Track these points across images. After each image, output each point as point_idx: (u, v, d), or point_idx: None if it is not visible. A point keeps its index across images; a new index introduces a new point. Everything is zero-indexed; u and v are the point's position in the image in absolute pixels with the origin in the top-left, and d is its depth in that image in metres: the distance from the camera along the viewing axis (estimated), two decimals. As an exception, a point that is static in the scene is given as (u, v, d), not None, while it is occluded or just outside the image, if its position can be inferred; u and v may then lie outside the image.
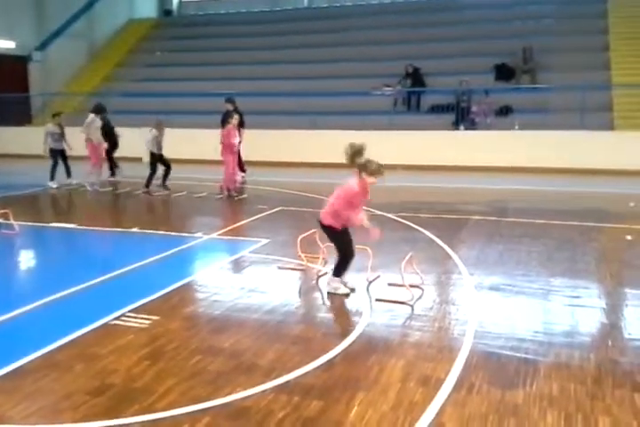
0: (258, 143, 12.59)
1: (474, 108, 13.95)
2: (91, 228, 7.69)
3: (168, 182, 10.50)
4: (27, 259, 6.77)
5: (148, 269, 5.83)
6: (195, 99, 16.10)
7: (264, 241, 6.80)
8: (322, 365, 3.67)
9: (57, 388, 3.39)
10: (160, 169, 10.42)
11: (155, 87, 17.39)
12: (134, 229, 7.47)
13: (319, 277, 5.46)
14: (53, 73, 19.28)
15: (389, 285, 5.17)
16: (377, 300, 4.83)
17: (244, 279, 5.55)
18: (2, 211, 7.44)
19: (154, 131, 10.25)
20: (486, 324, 4.34)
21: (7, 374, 3.55)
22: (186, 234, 7.24)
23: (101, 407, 3.17)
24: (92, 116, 11.06)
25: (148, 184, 10.31)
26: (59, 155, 11.20)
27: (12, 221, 7.33)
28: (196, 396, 3.29)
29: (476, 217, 8.14)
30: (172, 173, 10.55)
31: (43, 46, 19.19)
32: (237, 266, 6.05)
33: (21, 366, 3.64)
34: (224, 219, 8.48)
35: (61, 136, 11.14)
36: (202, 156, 12.61)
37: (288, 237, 6.73)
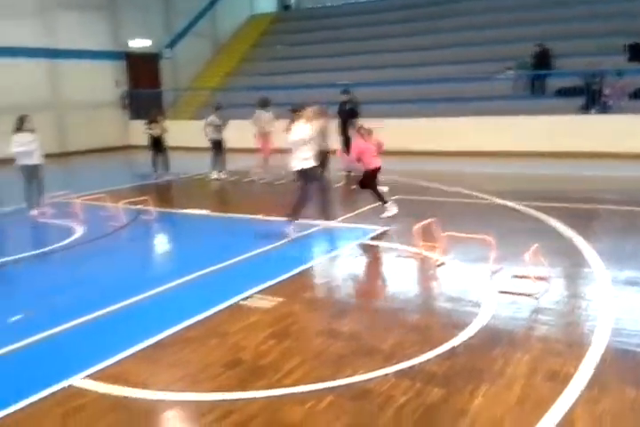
0: (378, 132, 12.50)
1: (606, 91, 12.97)
2: (221, 214, 8.15)
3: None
4: (163, 242, 7.31)
5: (272, 253, 6.08)
6: (315, 90, 16.39)
7: (383, 229, 6.84)
8: (443, 353, 3.65)
9: (194, 360, 3.67)
10: None
11: (277, 80, 17.94)
12: (259, 216, 7.81)
13: (437, 266, 5.41)
14: (182, 69, 20.51)
15: (514, 277, 5.00)
16: (500, 292, 4.70)
17: (363, 266, 5.63)
18: (141, 198, 8.09)
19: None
20: (623, 320, 4.07)
21: (149, 346, 3.88)
22: (306, 221, 7.44)
23: (234, 380, 3.39)
24: (258, 110, 11.29)
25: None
26: (216, 145, 11.40)
27: (150, 208, 7.96)
28: (320, 375, 3.42)
29: (608, 206, 7.62)
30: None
31: (172, 44, 20.44)
32: (356, 253, 6.13)
33: (161, 340, 3.97)
34: (343, 206, 8.60)
35: (220, 128, 11.33)
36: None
37: (407, 226, 6.71)
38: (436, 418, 2.98)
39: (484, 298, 4.57)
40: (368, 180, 7.68)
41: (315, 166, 6.87)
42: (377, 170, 7.69)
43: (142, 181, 11.49)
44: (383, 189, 8.03)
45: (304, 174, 6.81)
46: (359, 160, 7.72)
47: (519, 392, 3.17)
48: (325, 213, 7.16)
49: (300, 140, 6.65)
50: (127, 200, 8.20)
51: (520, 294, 4.60)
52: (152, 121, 11.85)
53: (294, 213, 6.82)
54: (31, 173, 8.24)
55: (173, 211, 8.51)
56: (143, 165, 12.69)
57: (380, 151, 7.78)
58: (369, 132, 7.77)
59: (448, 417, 2.97)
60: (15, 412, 3.09)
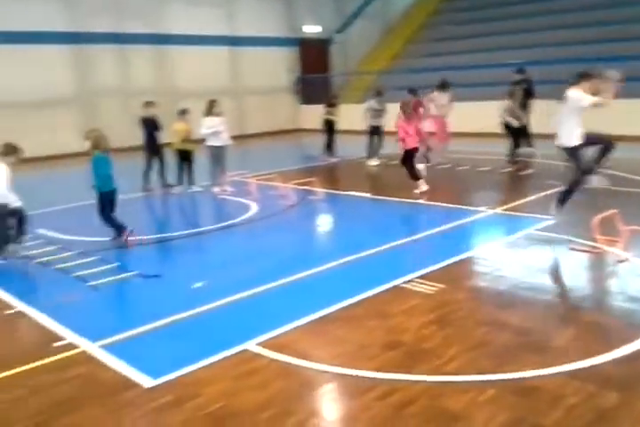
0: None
1: None
2: (382, 197, 8.24)
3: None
4: (329, 221, 7.57)
5: (433, 238, 6.02)
6: (483, 70, 15.74)
7: (554, 220, 6.41)
8: (622, 356, 3.36)
9: (355, 338, 3.78)
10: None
11: (443, 61, 17.48)
12: (421, 201, 7.76)
13: (618, 262, 4.95)
14: (351, 54, 20.83)
15: None
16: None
17: (530, 258, 5.33)
18: (309, 179, 8.45)
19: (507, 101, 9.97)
20: None
21: (314, 320, 4.07)
22: (470, 207, 7.25)
23: (394, 361, 3.43)
24: (435, 92, 10.89)
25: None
26: (376, 132, 11.22)
27: (317, 188, 8.28)
28: (482, 367, 3.33)
29: None
30: (457, 147, 10.55)
31: (342, 29, 20.81)
32: (522, 243, 5.83)
33: (325, 316, 4.14)
34: (509, 194, 8.22)
35: (380, 113, 11.11)
36: (485, 129, 12.35)
37: (582, 217, 6.21)
38: (611, 423, 2.76)
39: (674, 301, 4.11)
40: (407, 159, 8.28)
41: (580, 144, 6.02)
42: (414, 150, 8.29)
43: (310, 163, 11.96)
44: (420, 166, 8.64)
45: (575, 152, 6.00)
46: (403, 140, 8.22)
47: None
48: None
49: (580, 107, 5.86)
50: (296, 181, 8.62)
51: None
52: (331, 105, 12.11)
53: (565, 197, 6.16)
54: (217, 154, 8.99)
55: (337, 192, 8.75)
56: (311, 148, 13.19)
57: (420, 134, 8.51)
58: (411, 108, 8.44)
59: (624, 423, 2.74)
60: (197, 369, 3.43)
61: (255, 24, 18.27)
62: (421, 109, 10.52)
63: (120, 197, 6.54)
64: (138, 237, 6.37)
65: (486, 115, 11.85)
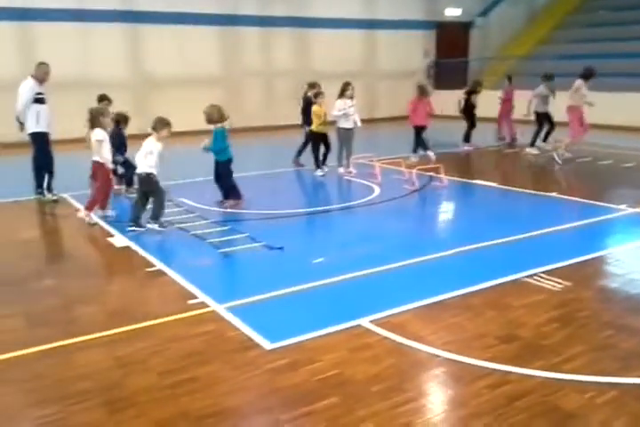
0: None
1: None
2: (510, 188, 7.96)
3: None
4: (453, 208, 7.46)
5: (563, 234, 5.75)
6: (628, 60, 14.47)
7: None
8: None
9: (470, 327, 3.76)
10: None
11: (593, 48, 16.28)
12: (553, 194, 7.40)
13: None
14: (492, 38, 20.01)
15: None
16: None
17: (674, 263, 4.93)
18: (434, 166, 8.35)
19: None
20: None
21: (430, 304, 4.09)
22: (608, 204, 6.80)
23: (509, 354, 3.38)
24: (579, 81, 9.97)
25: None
26: (545, 118, 10.87)
27: (442, 175, 8.18)
28: (604, 369, 3.19)
29: None
30: (599, 140, 9.86)
31: (485, 12, 20.01)
32: (666, 247, 5.39)
33: (441, 301, 4.14)
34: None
35: (548, 99, 10.75)
36: (633, 122, 11.38)
37: None
38: None
39: None
40: (416, 134, 10.30)
41: None
42: (419, 127, 10.22)
43: (438, 150, 11.76)
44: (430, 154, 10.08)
45: None
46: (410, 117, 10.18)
47: None
48: None
49: None
50: (421, 167, 8.56)
51: None
52: (473, 91, 11.88)
53: None
54: (344, 136, 9.15)
55: (463, 180, 8.57)
56: (442, 134, 12.96)
57: (430, 112, 10.29)
58: (424, 92, 10.21)
59: None
60: (313, 338, 3.61)
61: (394, 7, 18.11)
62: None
63: (261, 172, 6.96)
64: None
65: (631, 107, 10.96)
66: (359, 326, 3.76)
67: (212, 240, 5.71)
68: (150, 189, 6.21)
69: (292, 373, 3.22)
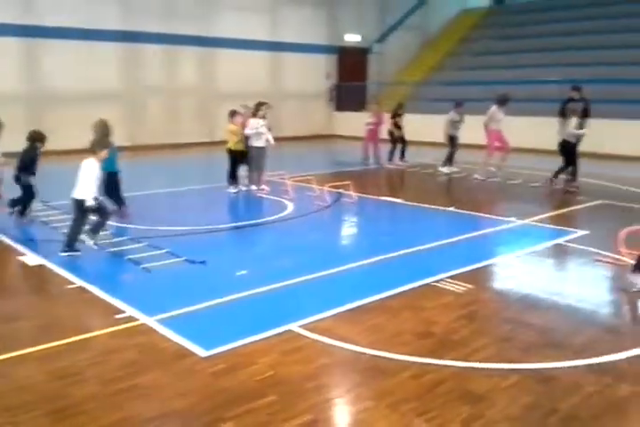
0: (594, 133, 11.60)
1: None
2: (415, 204, 8.56)
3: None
4: (363, 222, 7.89)
5: (463, 244, 6.33)
6: (520, 86, 15.95)
7: (581, 232, 6.68)
8: (636, 356, 3.65)
9: (389, 327, 4.12)
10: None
11: (480, 75, 17.76)
12: (451, 209, 8.07)
13: (641, 274, 5.21)
14: (389, 63, 21.20)
15: None
16: None
17: (557, 266, 5.62)
18: (344, 182, 8.81)
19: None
20: None
21: (352, 309, 4.42)
22: (500, 217, 7.54)
23: (425, 348, 3.77)
24: (493, 107, 10.71)
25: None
26: (451, 141, 11.51)
27: (351, 192, 8.64)
28: (507, 357, 3.65)
29: None
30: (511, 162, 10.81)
31: (382, 39, 21.20)
32: (550, 253, 6.11)
33: (362, 306, 4.49)
34: (539, 207, 8.46)
35: (458, 124, 11.40)
36: (522, 144, 12.56)
37: (608, 232, 6.47)
38: (623, 411, 3.06)
39: (691, 312, 4.37)
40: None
41: None
42: None
43: (344, 168, 12.33)
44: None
45: None
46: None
47: None
48: None
49: None
50: (331, 184, 9.00)
51: None
52: (397, 114, 12.60)
53: None
54: (257, 154, 9.41)
55: (371, 197, 9.09)
56: (346, 154, 13.58)
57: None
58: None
59: (635, 412, 3.04)
60: (246, 344, 3.80)
61: (298, 31, 18.75)
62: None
63: (171, 189, 6.99)
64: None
65: (521, 130, 12.11)
66: (289, 331, 4.01)
67: (131, 257, 5.72)
68: (92, 212, 6.02)
69: (231, 375, 3.40)
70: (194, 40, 16.48)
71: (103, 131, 7.09)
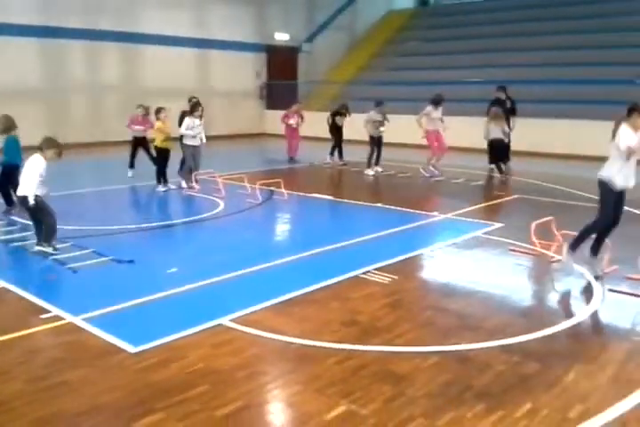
0: (524, 132, 12.23)
1: None
2: (344, 200, 8.78)
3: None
4: (294, 219, 8.03)
5: (389, 238, 6.59)
6: (445, 87, 16.55)
7: (498, 225, 7.09)
8: (545, 336, 3.97)
9: (317, 317, 4.27)
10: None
11: (407, 76, 18.30)
12: (379, 204, 8.35)
13: (551, 262, 5.63)
14: (318, 63, 21.45)
15: (627, 278, 5.11)
16: (610, 290, 4.86)
17: (475, 256, 5.95)
18: (275, 180, 8.91)
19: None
20: None
21: (281, 302, 4.54)
22: (424, 212, 7.87)
23: (352, 336, 3.95)
24: (428, 107, 10.86)
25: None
26: (375, 141, 11.44)
27: (282, 189, 8.76)
28: (427, 341, 3.89)
29: None
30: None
31: (310, 38, 21.42)
32: (469, 244, 6.45)
33: (291, 298, 4.62)
34: (460, 202, 8.89)
35: (380, 123, 11.33)
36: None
37: (523, 224, 6.90)
38: (529, 386, 3.34)
39: (593, 294, 4.77)
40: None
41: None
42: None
43: (275, 166, 12.43)
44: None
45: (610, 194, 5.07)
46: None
47: (610, 374, 3.44)
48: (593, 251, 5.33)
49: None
50: (262, 181, 9.08)
51: (630, 294, 4.74)
52: (338, 113, 12.72)
53: (578, 240, 5.30)
54: (191, 152, 9.37)
55: (301, 194, 9.25)
56: (276, 152, 13.67)
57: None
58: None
59: (540, 386, 3.32)
60: (177, 339, 3.85)
61: (226, 28, 18.64)
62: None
63: (105, 188, 6.87)
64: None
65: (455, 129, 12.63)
66: (220, 325, 4.08)
67: (56, 257, 5.61)
68: (33, 211, 5.85)
69: (162, 369, 3.44)
70: (116, 36, 16.06)
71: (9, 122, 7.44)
